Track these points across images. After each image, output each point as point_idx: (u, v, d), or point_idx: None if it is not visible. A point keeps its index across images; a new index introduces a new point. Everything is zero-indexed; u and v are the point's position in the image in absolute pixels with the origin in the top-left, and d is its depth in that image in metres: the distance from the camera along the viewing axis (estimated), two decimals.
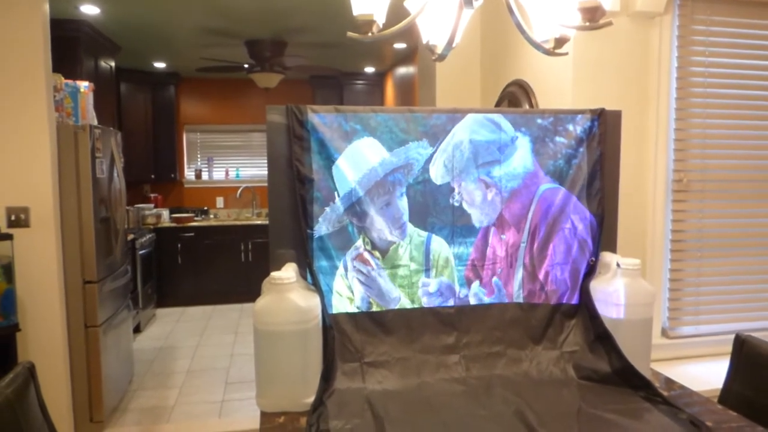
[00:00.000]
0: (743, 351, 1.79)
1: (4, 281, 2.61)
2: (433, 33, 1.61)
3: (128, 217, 5.37)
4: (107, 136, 3.40)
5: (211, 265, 6.13)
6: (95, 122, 3.41)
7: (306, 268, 1.80)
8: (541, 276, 1.95)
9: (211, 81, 6.72)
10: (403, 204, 1.87)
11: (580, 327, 1.90)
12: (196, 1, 3.85)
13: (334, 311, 1.83)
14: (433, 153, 1.87)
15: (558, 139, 1.94)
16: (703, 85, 2.55)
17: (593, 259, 1.94)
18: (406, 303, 1.88)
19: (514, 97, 2.89)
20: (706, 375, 2.40)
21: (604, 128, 1.95)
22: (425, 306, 1.89)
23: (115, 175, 3.58)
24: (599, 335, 1.82)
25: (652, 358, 1.87)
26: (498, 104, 3.10)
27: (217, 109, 6.89)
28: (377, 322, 1.84)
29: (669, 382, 1.80)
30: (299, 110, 1.78)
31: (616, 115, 2.01)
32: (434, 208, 1.89)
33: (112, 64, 5.19)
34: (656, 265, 2.56)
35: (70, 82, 3.18)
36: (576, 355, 1.86)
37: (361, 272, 1.86)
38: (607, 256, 1.91)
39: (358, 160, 1.83)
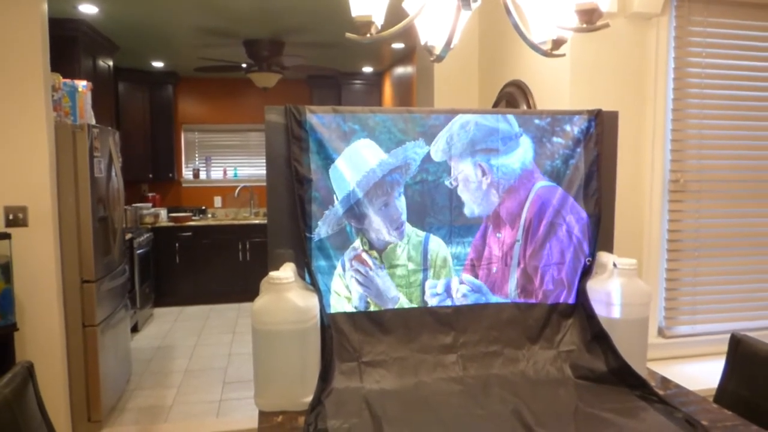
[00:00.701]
0: (739, 350, 1.80)
1: (1, 281, 2.61)
2: (431, 34, 1.62)
3: (126, 217, 5.37)
4: (105, 136, 3.40)
5: (209, 264, 6.13)
6: (93, 121, 3.41)
7: (304, 267, 1.80)
8: (536, 275, 1.96)
9: (209, 80, 6.72)
10: (402, 204, 1.88)
11: (576, 326, 1.91)
12: (194, 0, 3.85)
13: (332, 311, 1.83)
14: (435, 154, 1.88)
15: (555, 139, 1.95)
16: (700, 86, 2.57)
17: (590, 258, 1.95)
18: (404, 303, 1.88)
19: (512, 97, 2.90)
20: (702, 374, 2.41)
21: (601, 129, 1.96)
22: (423, 306, 1.90)
23: (113, 174, 3.58)
24: (596, 335, 1.83)
25: (649, 358, 1.88)
26: (496, 105, 3.11)
27: (215, 108, 6.88)
28: (375, 322, 1.85)
29: (665, 382, 1.81)
30: (297, 110, 1.79)
31: (613, 116, 2.02)
32: (432, 208, 1.90)
33: (111, 63, 5.19)
34: (653, 265, 2.58)
35: (68, 81, 3.17)
36: (573, 355, 1.87)
37: (359, 272, 1.86)
38: (603, 256, 1.91)
39: (356, 160, 1.83)
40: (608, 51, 2.44)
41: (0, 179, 2.72)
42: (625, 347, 1.76)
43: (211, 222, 6.31)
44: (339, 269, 1.85)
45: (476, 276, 1.94)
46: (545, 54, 1.47)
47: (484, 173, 1.91)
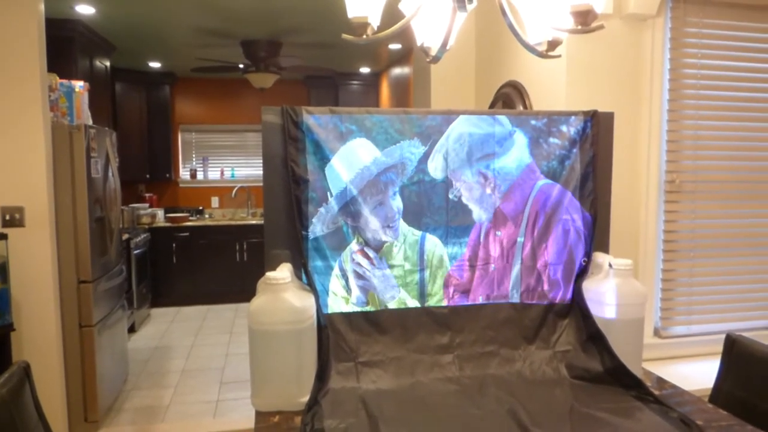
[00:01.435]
0: (734, 351, 1.81)
1: None
2: (427, 35, 1.62)
3: (123, 217, 5.36)
4: (102, 136, 3.40)
5: (206, 265, 6.12)
6: (90, 122, 3.41)
7: (301, 268, 1.81)
8: (534, 274, 1.97)
9: (206, 81, 6.71)
10: (397, 203, 1.88)
11: (572, 327, 1.91)
12: (191, 1, 3.85)
13: (329, 311, 1.84)
14: (428, 150, 1.89)
15: (551, 140, 1.96)
16: (696, 87, 2.58)
17: (586, 259, 1.96)
18: (404, 297, 1.89)
19: (509, 98, 2.91)
20: (697, 374, 2.42)
21: (597, 130, 1.97)
22: (420, 306, 1.90)
23: (110, 174, 3.57)
24: (592, 335, 1.83)
25: (645, 358, 1.89)
26: (492, 105, 3.11)
27: (212, 109, 6.88)
28: (372, 322, 1.85)
29: (661, 382, 1.82)
30: (294, 111, 1.79)
31: (609, 117, 2.02)
32: (429, 208, 1.90)
33: (108, 63, 5.18)
34: (648, 266, 2.59)
35: (65, 81, 3.17)
36: (569, 355, 1.87)
37: (361, 266, 1.86)
38: (599, 257, 1.92)
39: (351, 159, 1.84)
40: (604, 52, 2.45)
41: None
42: (620, 347, 1.77)
43: (209, 222, 6.31)
44: (336, 269, 1.86)
45: (473, 276, 1.94)
46: (541, 55, 1.47)
47: (486, 179, 1.92)
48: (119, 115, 5.97)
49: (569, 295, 1.96)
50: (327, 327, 1.77)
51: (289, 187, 1.80)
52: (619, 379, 1.73)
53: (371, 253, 1.87)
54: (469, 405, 1.62)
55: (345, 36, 1.39)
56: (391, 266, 1.89)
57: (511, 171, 1.94)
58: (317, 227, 1.83)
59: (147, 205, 6.28)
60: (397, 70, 5.81)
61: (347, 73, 6.58)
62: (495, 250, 1.95)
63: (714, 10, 2.55)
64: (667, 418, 1.52)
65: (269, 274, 1.62)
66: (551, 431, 1.46)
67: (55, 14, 3.97)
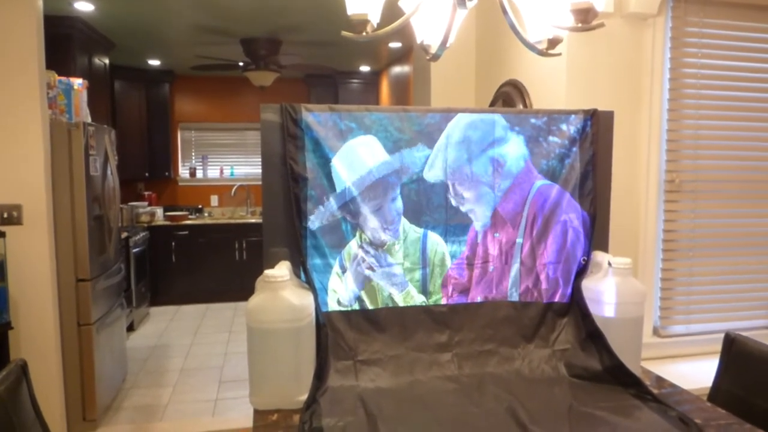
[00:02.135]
0: (732, 350, 1.81)
1: None
2: (427, 33, 1.62)
3: (122, 215, 5.35)
4: (101, 134, 3.39)
5: (206, 263, 6.12)
6: (89, 119, 3.40)
7: (299, 266, 1.80)
8: (537, 272, 1.97)
9: (205, 79, 6.70)
10: (397, 204, 1.88)
11: (571, 325, 1.91)
12: None
13: (328, 309, 1.83)
14: (429, 155, 1.88)
15: (551, 138, 1.95)
16: (696, 87, 2.57)
17: (585, 258, 1.95)
18: (397, 301, 1.88)
19: (509, 97, 2.90)
20: (696, 373, 2.42)
21: (596, 128, 1.96)
22: (420, 304, 1.90)
23: (109, 172, 3.57)
24: (590, 333, 1.83)
25: (644, 357, 1.89)
26: (492, 104, 3.11)
27: (211, 107, 6.87)
28: (370, 320, 1.85)
29: (659, 381, 1.82)
30: (293, 109, 1.79)
31: (609, 116, 2.02)
32: (428, 207, 1.90)
33: (106, 61, 5.17)
34: (648, 265, 2.58)
35: (63, 79, 3.16)
36: (567, 353, 1.87)
37: (360, 264, 1.86)
38: (598, 255, 1.92)
39: (353, 160, 1.83)
40: (604, 51, 2.45)
41: None
42: (619, 346, 1.76)
43: (208, 221, 6.30)
44: (336, 267, 1.85)
45: (471, 274, 1.94)
46: (541, 53, 1.47)
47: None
48: (118, 113, 5.96)
49: (568, 294, 1.96)
50: (326, 325, 1.76)
51: (288, 185, 1.79)
52: (617, 378, 1.73)
53: (371, 251, 1.87)
54: (468, 403, 1.62)
55: (344, 33, 1.38)
56: (391, 264, 1.88)
57: (507, 174, 1.94)
58: (316, 225, 1.82)
59: (146, 203, 6.27)
60: (397, 69, 5.80)
61: (347, 72, 6.57)
62: (494, 250, 1.95)
63: (715, 9, 2.55)
64: (665, 416, 1.51)
65: (267, 272, 1.61)
66: (550, 430, 1.46)
67: (53, 11, 3.96)
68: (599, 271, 1.88)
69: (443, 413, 1.57)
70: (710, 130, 2.62)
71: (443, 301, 1.92)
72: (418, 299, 1.90)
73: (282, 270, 1.64)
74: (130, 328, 5.01)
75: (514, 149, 1.93)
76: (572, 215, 1.97)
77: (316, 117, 1.81)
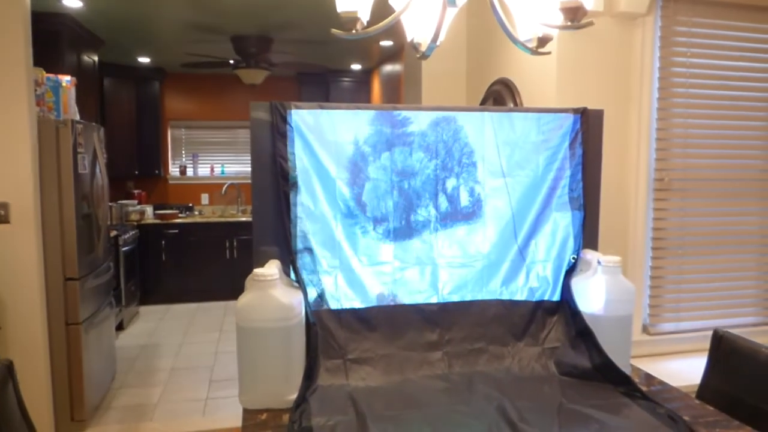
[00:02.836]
0: (721, 347, 1.82)
1: None
2: (417, 31, 1.61)
3: (111, 214, 5.32)
4: (89, 132, 3.36)
5: (196, 262, 6.09)
6: (77, 117, 3.37)
7: (289, 264, 1.79)
8: (527, 271, 1.97)
9: (196, 77, 6.67)
10: (387, 201, 1.87)
11: (561, 323, 1.92)
12: None
13: (318, 308, 1.83)
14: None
15: (541, 137, 1.96)
16: (685, 86, 2.59)
17: (575, 256, 1.96)
18: (387, 300, 1.88)
19: (499, 95, 2.91)
20: (685, 371, 2.43)
21: (586, 127, 1.97)
22: (409, 303, 1.90)
23: (98, 170, 3.54)
24: (580, 331, 1.84)
25: (633, 354, 1.90)
26: (483, 102, 3.11)
27: (202, 105, 6.83)
28: (361, 319, 1.85)
29: (649, 378, 1.83)
30: (283, 107, 1.78)
31: (599, 114, 2.03)
32: (419, 204, 1.90)
33: (95, 58, 5.13)
34: (637, 263, 2.60)
35: (51, 76, 3.13)
36: (557, 352, 1.88)
37: (346, 268, 1.86)
38: (588, 254, 1.93)
39: (341, 157, 1.83)
40: (594, 50, 2.46)
41: None
42: (609, 344, 1.77)
43: (198, 219, 6.27)
44: (326, 266, 1.85)
45: (462, 272, 1.94)
46: (531, 51, 1.47)
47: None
48: (107, 111, 5.91)
49: (558, 292, 1.96)
50: (316, 324, 1.76)
51: (278, 183, 1.78)
52: (607, 376, 1.74)
53: (355, 256, 1.86)
54: (458, 402, 1.62)
55: (334, 31, 1.38)
56: (380, 263, 1.88)
57: (497, 173, 1.94)
58: (306, 223, 1.82)
59: (136, 201, 6.23)
60: (389, 68, 5.80)
61: (338, 70, 6.56)
62: (484, 247, 1.95)
63: (704, 9, 2.57)
64: (654, 414, 1.52)
65: (257, 270, 1.61)
66: (540, 428, 1.46)
67: (41, 8, 3.92)
68: (589, 269, 1.89)
69: (433, 412, 1.57)
70: (699, 129, 2.63)
71: (434, 300, 1.92)
72: (409, 298, 1.90)
73: (272, 269, 1.63)
74: (120, 328, 4.98)
75: (507, 149, 1.94)
76: (562, 213, 1.98)
77: (305, 115, 1.80)
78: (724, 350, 1.80)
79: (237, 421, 1.62)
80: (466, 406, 1.59)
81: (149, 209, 6.18)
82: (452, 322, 1.90)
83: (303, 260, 1.82)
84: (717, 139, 2.67)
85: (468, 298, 1.94)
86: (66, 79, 3.21)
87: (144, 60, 6.05)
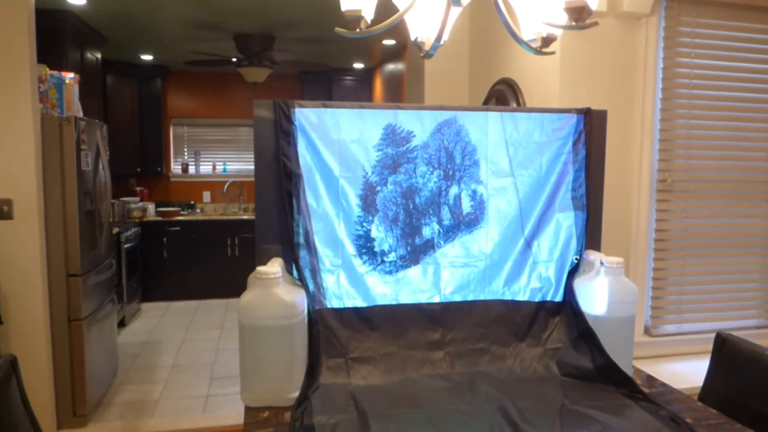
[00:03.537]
0: (724, 349, 1.82)
1: None
2: (421, 30, 1.61)
3: (113, 211, 5.32)
4: (92, 129, 3.37)
5: (198, 259, 6.09)
6: (81, 114, 3.37)
7: (292, 263, 1.79)
8: (529, 271, 1.97)
9: (199, 74, 6.67)
10: (390, 201, 1.87)
11: (563, 324, 1.91)
12: None
13: (320, 306, 1.83)
14: (422, 153, 1.88)
15: (544, 137, 1.95)
16: (689, 86, 2.58)
17: (577, 257, 1.96)
18: (390, 299, 1.88)
19: (502, 95, 2.90)
20: (687, 373, 2.43)
21: (589, 127, 1.97)
22: (412, 302, 1.90)
23: (100, 167, 3.54)
24: (582, 332, 1.83)
25: (635, 356, 1.89)
26: (486, 102, 3.11)
27: (204, 103, 6.83)
28: (363, 318, 1.85)
29: (651, 380, 1.83)
30: (286, 105, 1.78)
31: (602, 115, 2.02)
32: (421, 206, 1.90)
33: (99, 55, 5.13)
34: (640, 264, 2.59)
35: (55, 73, 3.13)
36: (559, 352, 1.87)
37: (348, 267, 1.86)
38: (591, 255, 1.92)
39: (345, 155, 1.83)
40: (598, 50, 2.45)
41: None
42: (611, 345, 1.77)
43: (200, 217, 6.27)
44: (329, 265, 1.85)
45: (464, 272, 1.94)
46: (535, 51, 1.47)
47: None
48: (110, 108, 5.92)
49: (561, 293, 1.96)
50: (318, 322, 1.76)
51: (281, 181, 1.78)
52: (609, 377, 1.74)
53: (357, 256, 1.86)
54: (460, 402, 1.62)
55: (338, 30, 1.38)
56: (383, 263, 1.88)
57: (499, 173, 1.94)
58: (309, 222, 1.82)
59: (138, 198, 6.23)
60: (391, 66, 5.79)
61: (341, 69, 6.55)
62: (487, 247, 1.95)
63: (708, 9, 2.56)
64: (656, 416, 1.52)
65: (260, 268, 1.61)
66: (541, 428, 1.46)
67: (45, 5, 3.92)
68: (591, 270, 1.89)
69: (435, 411, 1.57)
70: (702, 130, 2.63)
71: (436, 300, 1.92)
72: (411, 297, 1.90)
73: (274, 267, 1.63)
74: (121, 324, 4.99)
75: (506, 150, 1.94)
76: (565, 214, 1.97)
77: (309, 113, 1.80)
78: (727, 353, 1.80)
79: (238, 419, 1.62)
80: (468, 406, 1.59)
81: (151, 207, 6.19)
82: (454, 321, 1.90)
83: (305, 258, 1.82)
84: (720, 140, 2.66)
85: (470, 298, 1.94)
86: (69, 76, 3.21)
87: (147, 57, 6.06)
